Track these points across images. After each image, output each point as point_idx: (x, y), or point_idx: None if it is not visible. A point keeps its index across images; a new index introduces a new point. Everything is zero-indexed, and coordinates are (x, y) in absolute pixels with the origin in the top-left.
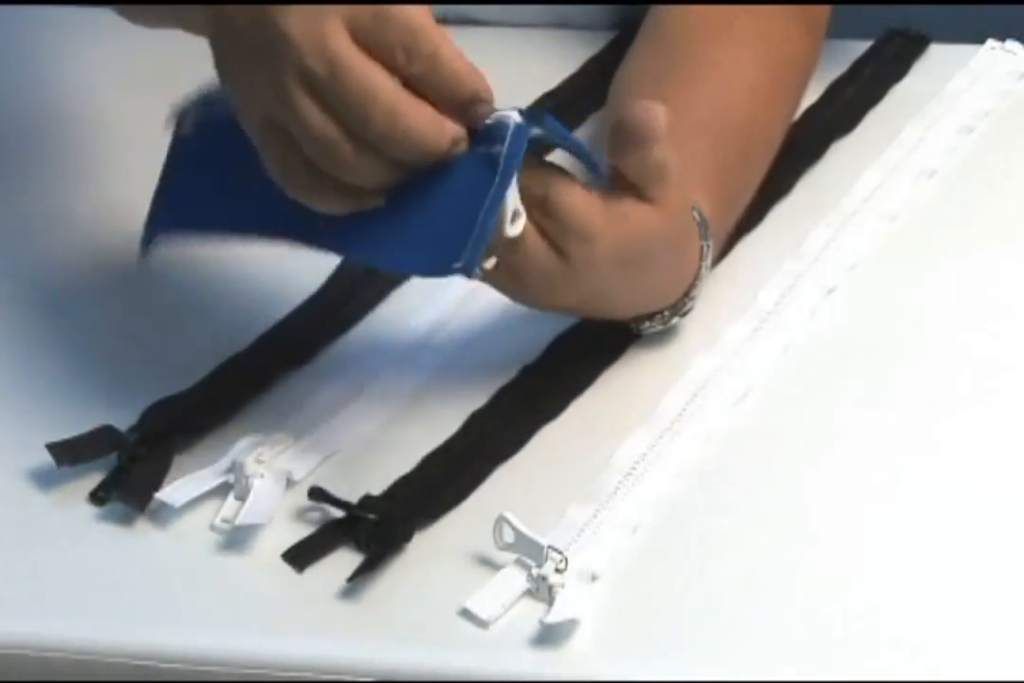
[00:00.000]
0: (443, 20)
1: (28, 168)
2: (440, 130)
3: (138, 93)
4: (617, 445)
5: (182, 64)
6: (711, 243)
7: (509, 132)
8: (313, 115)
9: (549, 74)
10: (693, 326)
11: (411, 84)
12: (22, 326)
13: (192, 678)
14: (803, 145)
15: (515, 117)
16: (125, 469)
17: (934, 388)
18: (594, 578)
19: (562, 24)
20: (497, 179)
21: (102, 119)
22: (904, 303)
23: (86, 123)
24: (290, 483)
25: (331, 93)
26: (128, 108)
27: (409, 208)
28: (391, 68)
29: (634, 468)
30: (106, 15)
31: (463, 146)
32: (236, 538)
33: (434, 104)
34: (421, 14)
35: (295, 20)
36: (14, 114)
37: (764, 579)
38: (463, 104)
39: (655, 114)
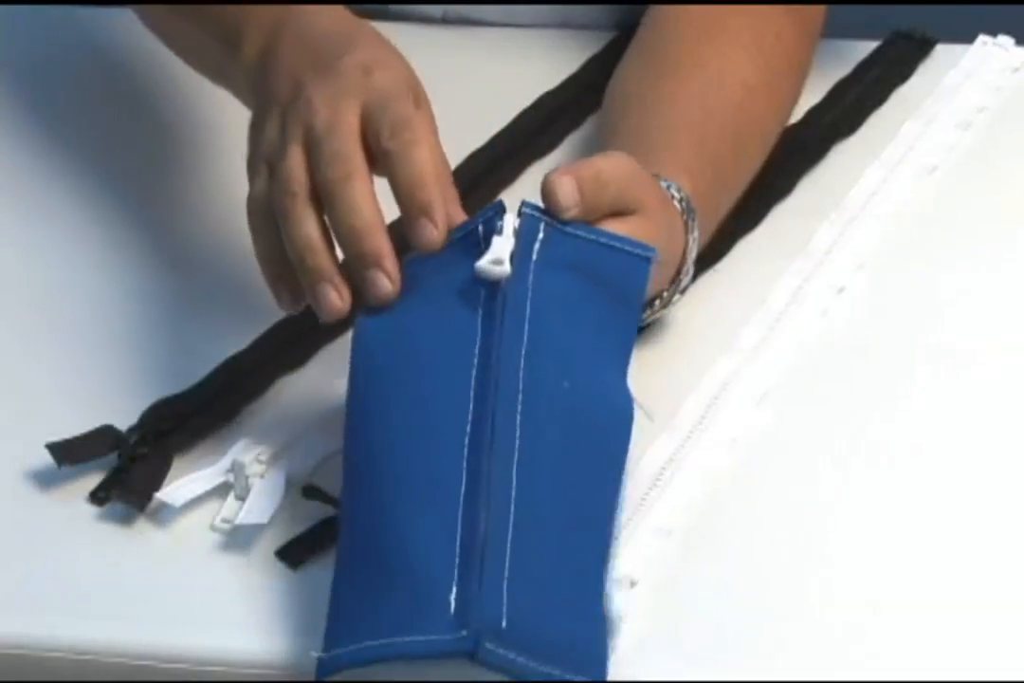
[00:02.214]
0: (443, 20)
1: (26, 167)
2: (374, 226)
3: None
4: (642, 451)
5: None
6: (695, 216)
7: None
8: (295, 157)
9: (549, 74)
10: (705, 328)
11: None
12: (23, 326)
13: (192, 678)
14: (805, 145)
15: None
16: (125, 469)
17: (953, 385)
18: (633, 584)
19: (562, 24)
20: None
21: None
22: (914, 300)
23: (88, 122)
24: (290, 483)
25: (316, 146)
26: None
27: None
28: (374, 139)
29: (662, 473)
30: None
31: (384, 284)
32: (236, 538)
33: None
34: (422, 112)
35: (324, 92)
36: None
37: (796, 580)
38: (416, 209)
39: (564, 189)
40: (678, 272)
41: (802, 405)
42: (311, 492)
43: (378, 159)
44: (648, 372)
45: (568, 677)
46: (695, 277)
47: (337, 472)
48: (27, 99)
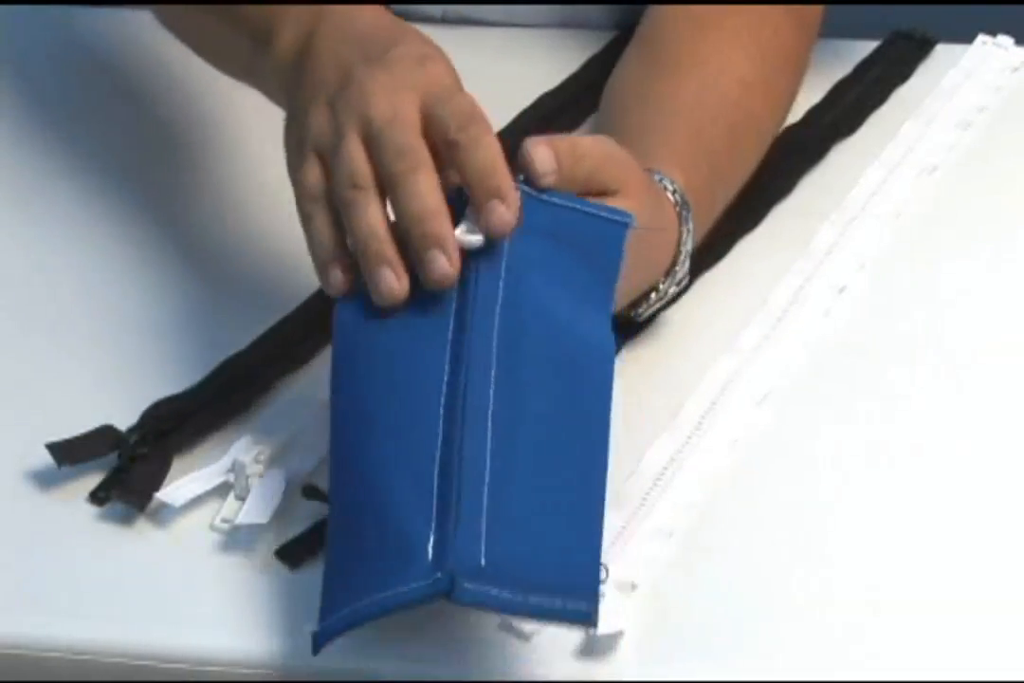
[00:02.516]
0: (443, 20)
1: (26, 167)
2: (439, 211)
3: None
4: (642, 452)
5: None
6: (689, 208)
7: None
8: (356, 149)
9: (549, 74)
10: (705, 328)
11: (451, 161)
12: (23, 326)
13: (192, 678)
14: (805, 145)
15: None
16: (125, 469)
17: (953, 385)
18: (633, 587)
19: (562, 24)
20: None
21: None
22: (914, 300)
23: (92, 124)
24: (290, 483)
25: (377, 140)
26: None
27: None
28: (440, 132)
29: (662, 474)
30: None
31: (444, 264)
32: (236, 538)
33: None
34: (477, 104)
35: (379, 82)
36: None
37: (796, 580)
38: (488, 193)
39: (540, 156)
40: (673, 263)
41: (803, 405)
42: (311, 492)
43: (442, 150)
44: (648, 372)
45: (557, 603)
46: (695, 277)
47: None
48: (27, 99)
